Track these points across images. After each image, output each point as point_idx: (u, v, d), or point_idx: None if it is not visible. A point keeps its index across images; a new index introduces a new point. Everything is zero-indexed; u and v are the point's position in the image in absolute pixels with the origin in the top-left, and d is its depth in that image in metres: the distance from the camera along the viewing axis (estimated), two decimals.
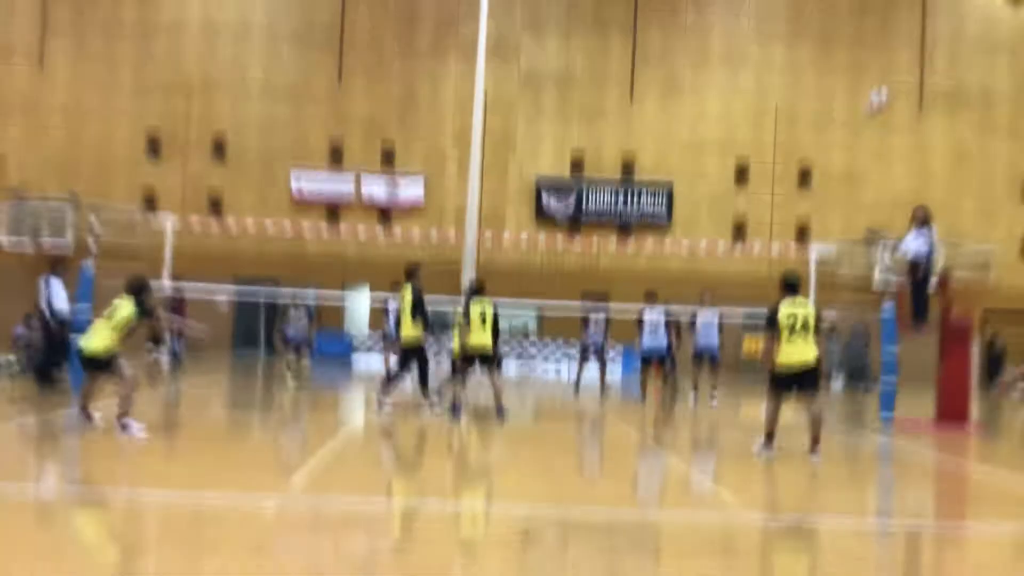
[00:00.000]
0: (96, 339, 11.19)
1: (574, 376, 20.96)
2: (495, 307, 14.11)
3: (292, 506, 7.59)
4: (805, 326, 10.74)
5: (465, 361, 13.98)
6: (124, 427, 10.74)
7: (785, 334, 10.77)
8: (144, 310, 11.33)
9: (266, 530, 6.80)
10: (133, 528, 6.89)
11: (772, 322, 10.81)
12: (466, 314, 13.83)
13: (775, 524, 7.90)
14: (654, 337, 17.32)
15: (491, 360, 13.91)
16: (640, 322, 17.46)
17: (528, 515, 7.61)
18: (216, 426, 13.30)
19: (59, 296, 15.73)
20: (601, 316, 19.57)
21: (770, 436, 10.95)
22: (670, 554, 6.85)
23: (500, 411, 13.70)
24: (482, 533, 7.30)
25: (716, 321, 17.79)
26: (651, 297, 17.82)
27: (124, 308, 11.22)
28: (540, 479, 9.34)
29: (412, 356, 14.27)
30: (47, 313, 15.67)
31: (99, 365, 11.17)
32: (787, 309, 10.85)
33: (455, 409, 13.73)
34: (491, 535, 7.16)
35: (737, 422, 16.55)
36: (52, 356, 15.62)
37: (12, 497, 7.65)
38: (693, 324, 17.88)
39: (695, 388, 18.32)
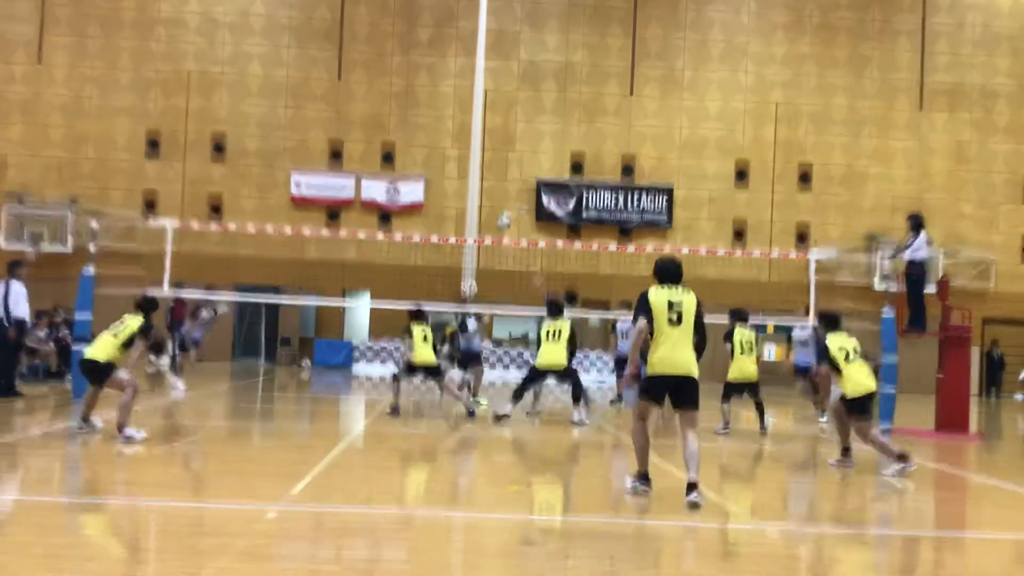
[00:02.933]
0: (99, 349, 11.32)
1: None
2: (571, 324, 15.15)
3: (295, 513, 7.62)
4: (680, 319, 8.55)
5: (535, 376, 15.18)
6: (124, 435, 10.80)
7: (662, 326, 8.54)
8: (144, 329, 11.41)
9: (266, 539, 6.82)
10: (132, 536, 6.91)
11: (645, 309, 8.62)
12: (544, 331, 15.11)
13: (773, 533, 7.91)
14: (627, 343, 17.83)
15: (565, 375, 15.12)
16: (613, 328, 18.93)
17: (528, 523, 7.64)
18: (217, 435, 13.31)
19: (19, 301, 15.19)
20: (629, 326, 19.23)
21: (643, 466, 8.72)
22: (669, 561, 6.87)
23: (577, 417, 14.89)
24: (483, 541, 7.32)
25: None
26: (629, 306, 18.45)
27: (132, 325, 11.41)
28: (537, 487, 9.35)
29: (545, 376, 15.30)
30: (4, 320, 15.07)
31: (98, 373, 11.22)
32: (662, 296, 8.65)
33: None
34: (491, 543, 7.19)
35: (736, 428, 16.55)
36: (9, 364, 15.21)
37: (12, 506, 7.68)
38: None
39: None
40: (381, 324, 30.74)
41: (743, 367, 14.66)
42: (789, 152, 31.69)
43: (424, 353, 15.27)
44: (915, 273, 16.01)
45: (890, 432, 15.29)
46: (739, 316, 14.92)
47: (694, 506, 8.11)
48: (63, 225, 29.00)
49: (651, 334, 8.49)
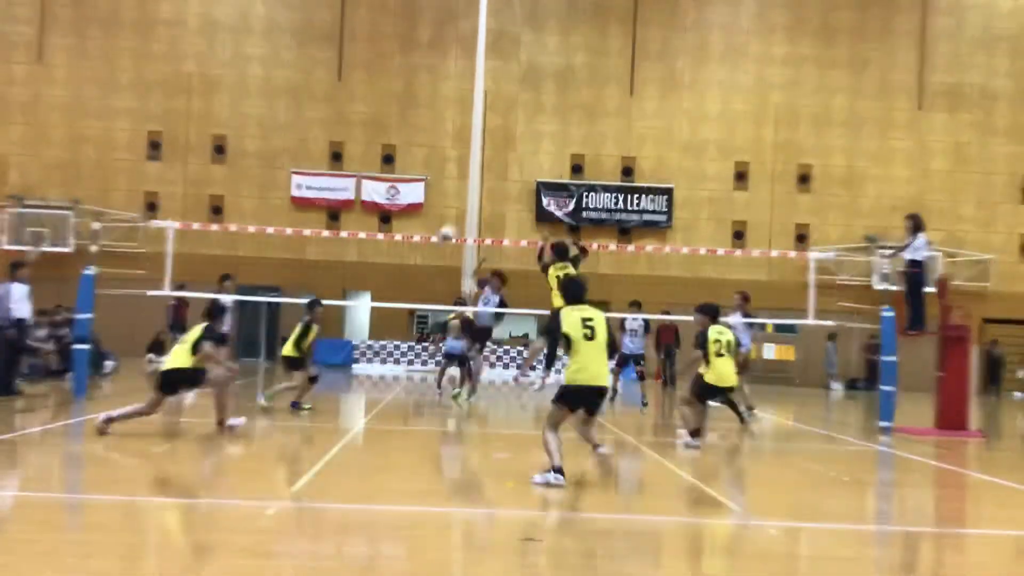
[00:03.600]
0: (177, 358, 11.81)
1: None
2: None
3: (295, 511, 7.63)
4: (594, 334, 9.27)
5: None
6: (228, 428, 11.76)
7: (579, 343, 9.24)
8: (206, 332, 11.83)
9: (266, 536, 6.84)
10: (133, 533, 6.93)
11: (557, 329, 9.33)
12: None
13: (775, 530, 7.93)
14: (634, 340, 18.94)
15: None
16: (622, 327, 19.00)
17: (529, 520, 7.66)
18: (217, 434, 13.32)
19: (19, 302, 15.18)
20: (639, 324, 19.14)
21: (556, 460, 9.08)
22: (672, 557, 6.89)
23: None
24: (484, 539, 7.34)
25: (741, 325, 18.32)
26: (635, 306, 19.40)
27: (196, 331, 11.90)
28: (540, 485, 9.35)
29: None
30: (5, 321, 15.02)
31: (188, 379, 11.80)
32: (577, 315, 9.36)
33: None
34: (493, 540, 7.20)
35: (736, 427, 16.56)
36: (9, 363, 15.18)
37: (13, 503, 7.70)
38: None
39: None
40: (381, 324, 30.78)
41: (721, 371, 12.75)
42: (789, 153, 31.69)
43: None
44: (915, 272, 16.02)
45: (891, 432, 15.32)
46: (710, 311, 13.06)
47: (604, 457, 9.38)
48: (64, 226, 29.01)
49: (568, 349, 9.25)
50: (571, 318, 9.23)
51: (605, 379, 9.33)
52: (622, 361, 19.13)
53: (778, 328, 29.11)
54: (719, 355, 12.71)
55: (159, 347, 24.39)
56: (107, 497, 8.04)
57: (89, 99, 30.81)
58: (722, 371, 12.73)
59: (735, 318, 17.11)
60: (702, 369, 12.82)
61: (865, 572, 6.86)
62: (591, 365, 9.16)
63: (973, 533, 8.51)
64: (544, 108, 31.66)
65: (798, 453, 12.19)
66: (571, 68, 31.68)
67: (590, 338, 9.17)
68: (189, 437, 12.39)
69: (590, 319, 9.26)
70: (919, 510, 9.68)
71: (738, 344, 14.04)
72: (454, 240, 20.60)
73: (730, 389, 13.39)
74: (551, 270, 13.82)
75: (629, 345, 18.99)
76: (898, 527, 8.60)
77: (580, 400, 9.24)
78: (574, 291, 9.61)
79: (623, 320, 19.02)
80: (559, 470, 9.00)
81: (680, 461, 11.63)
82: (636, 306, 19.41)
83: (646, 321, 19.22)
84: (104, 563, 6.01)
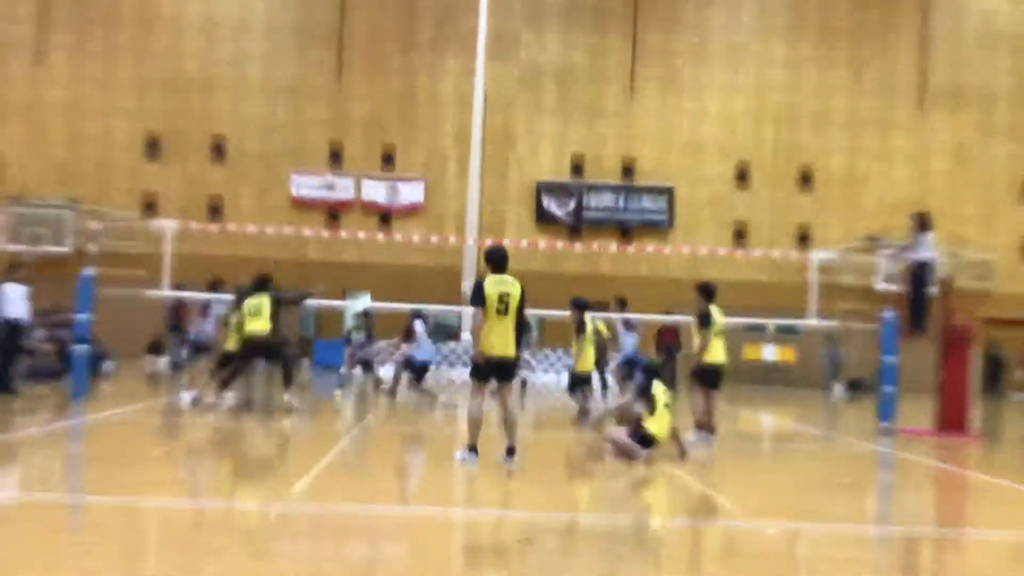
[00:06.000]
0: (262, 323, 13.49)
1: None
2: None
3: (296, 512, 7.60)
4: (507, 309, 9.73)
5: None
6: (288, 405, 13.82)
7: (492, 315, 9.73)
8: (277, 299, 13.61)
9: (267, 537, 6.81)
10: (132, 534, 6.90)
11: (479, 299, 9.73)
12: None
13: (774, 530, 7.90)
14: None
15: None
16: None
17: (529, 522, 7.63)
18: (217, 434, 13.29)
19: (14, 302, 15.16)
20: (632, 330, 19.35)
21: (473, 440, 9.95)
22: (670, 560, 6.86)
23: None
24: (483, 540, 7.31)
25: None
26: (621, 305, 19.97)
27: (265, 303, 13.80)
28: (540, 486, 9.34)
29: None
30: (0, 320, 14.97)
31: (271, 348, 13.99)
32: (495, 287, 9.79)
33: None
34: (492, 542, 7.17)
35: (736, 428, 16.55)
36: (7, 364, 15.18)
37: (12, 504, 7.66)
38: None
39: None
40: (381, 324, 30.71)
41: (717, 352, 12.67)
42: (789, 153, 31.67)
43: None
44: (919, 273, 15.98)
45: (893, 432, 15.30)
46: (708, 292, 12.95)
47: (512, 468, 9.56)
48: (63, 226, 28.98)
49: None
50: (491, 290, 9.66)
51: (511, 353, 9.76)
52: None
53: (779, 329, 29.09)
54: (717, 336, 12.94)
55: (158, 348, 24.34)
56: (107, 498, 8.01)
57: (88, 99, 30.77)
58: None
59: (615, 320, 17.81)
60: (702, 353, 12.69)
61: (864, 573, 6.82)
62: (501, 339, 9.67)
63: (973, 534, 8.47)
64: (544, 108, 31.63)
65: (798, 454, 12.17)
66: (571, 68, 31.65)
67: (503, 312, 9.62)
68: (189, 437, 12.37)
69: (507, 294, 9.67)
70: (918, 511, 9.64)
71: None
72: None
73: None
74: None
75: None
76: (898, 528, 8.57)
77: (490, 372, 9.81)
78: (495, 258, 9.96)
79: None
80: (473, 448, 9.76)
81: (679, 461, 11.60)
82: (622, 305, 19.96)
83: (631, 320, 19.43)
84: (104, 563, 5.98)
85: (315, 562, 6.24)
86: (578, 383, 15.33)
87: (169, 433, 12.67)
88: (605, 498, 9.18)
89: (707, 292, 12.90)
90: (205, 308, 18.08)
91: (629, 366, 17.88)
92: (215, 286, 18.13)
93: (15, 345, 15.50)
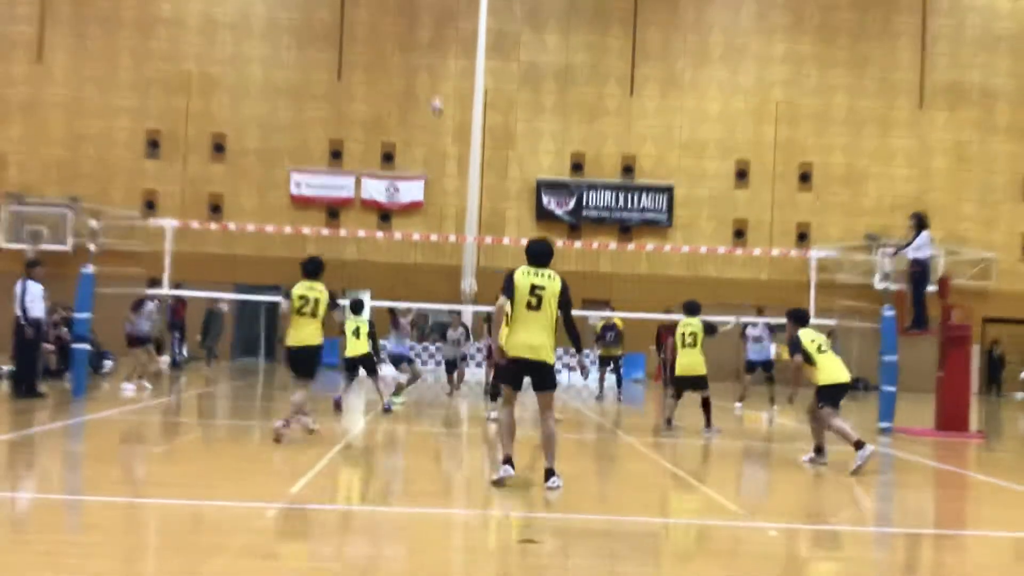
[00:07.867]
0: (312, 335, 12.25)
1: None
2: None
3: (295, 512, 7.61)
4: (540, 304, 8.66)
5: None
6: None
7: (520, 310, 8.69)
8: (333, 297, 12.54)
9: (265, 537, 6.82)
10: (132, 534, 6.91)
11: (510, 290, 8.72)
12: None
13: (775, 531, 7.91)
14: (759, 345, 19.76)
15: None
16: (743, 334, 19.73)
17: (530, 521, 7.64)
18: (215, 433, 13.31)
19: (35, 301, 15.05)
20: (761, 330, 19.94)
21: (507, 450, 8.84)
22: (671, 559, 6.87)
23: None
24: (484, 540, 7.32)
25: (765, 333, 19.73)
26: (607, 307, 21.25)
27: (323, 297, 12.39)
28: (539, 486, 9.33)
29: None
30: (22, 319, 14.85)
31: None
32: (528, 279, 8.74)
33: None
34: (492, 541, 7.18)
35: (742, 429, 16.55)
36: (31, 364, 15.10)
37: (13, 503, 7.67)
38: (744, 335, 19.79)
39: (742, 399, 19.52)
40: (381, 323, 30.67)
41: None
42: (789, 152, 31.67)
43: (357, 347, 16.33)
44: (917, 271, 15.98)
45: (891, 432, 15.30)
46: (800, 318, 12.14)
47: (553, 491, 8.49)
48: (63, 224, 28.99)
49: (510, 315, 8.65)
50: (522, 281, 8.67)
51: (542, 355, 8.61)
52: (604, 362, 20.78)
53: (778, 328, 29.07)
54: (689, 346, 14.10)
55: (157, 347, 24.30)
56: (107, 498, 8.02)
57: (88, 97, 30.78)
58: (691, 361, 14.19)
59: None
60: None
61: (864, 573, 6.83)
62: (529, 337, 8.58)
63: (973, 534, 8.48)
64: (544, 107, 31.63)
65: (798, 453, 12.14)
66: (571, 67, 31.65)
67: (534, 307, 8.59)
68: (189, 437, 12.37)
69: (542, 287, 8.63)
70: (918, 511, 9.65)
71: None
72: (440, 110, 21.25)
73: (700, 379, 14.22)
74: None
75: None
76: (897, 528, 8.58)
77: (518, 375, 8.72)
78: (533, 252, 8.84)
79: (745, 327, 19.41)
80: (508, 460, 8.71)
81: (678, 461, 11.61)
82: (607, 307, 21.00)
83: (768, 326, 19.61)
84: (104, 563, 5.99)
85: (315, 561, 6.25)
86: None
87: (169, 433, 12.67)
88: (604, 498, 9.19)
89: (798, 318, 11.83)
90: (139, 304, 18.11)
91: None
92: (153, 284, 18.72)
93: (37, 345, 15.34)
